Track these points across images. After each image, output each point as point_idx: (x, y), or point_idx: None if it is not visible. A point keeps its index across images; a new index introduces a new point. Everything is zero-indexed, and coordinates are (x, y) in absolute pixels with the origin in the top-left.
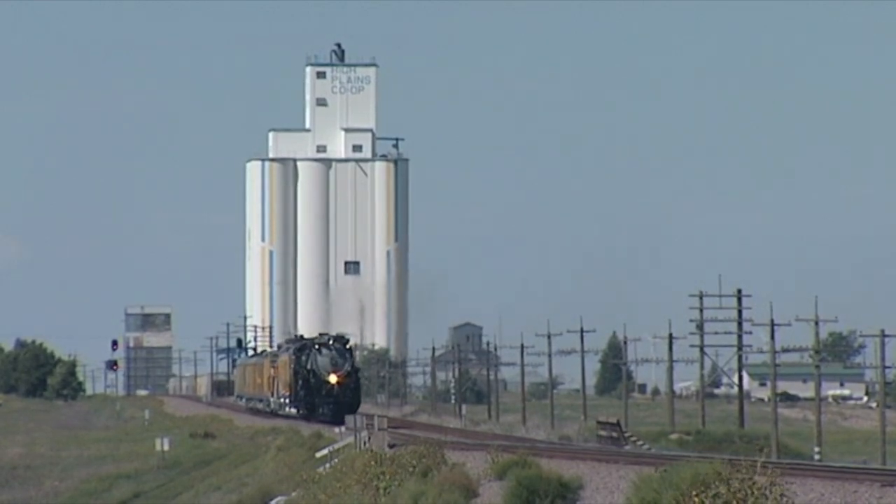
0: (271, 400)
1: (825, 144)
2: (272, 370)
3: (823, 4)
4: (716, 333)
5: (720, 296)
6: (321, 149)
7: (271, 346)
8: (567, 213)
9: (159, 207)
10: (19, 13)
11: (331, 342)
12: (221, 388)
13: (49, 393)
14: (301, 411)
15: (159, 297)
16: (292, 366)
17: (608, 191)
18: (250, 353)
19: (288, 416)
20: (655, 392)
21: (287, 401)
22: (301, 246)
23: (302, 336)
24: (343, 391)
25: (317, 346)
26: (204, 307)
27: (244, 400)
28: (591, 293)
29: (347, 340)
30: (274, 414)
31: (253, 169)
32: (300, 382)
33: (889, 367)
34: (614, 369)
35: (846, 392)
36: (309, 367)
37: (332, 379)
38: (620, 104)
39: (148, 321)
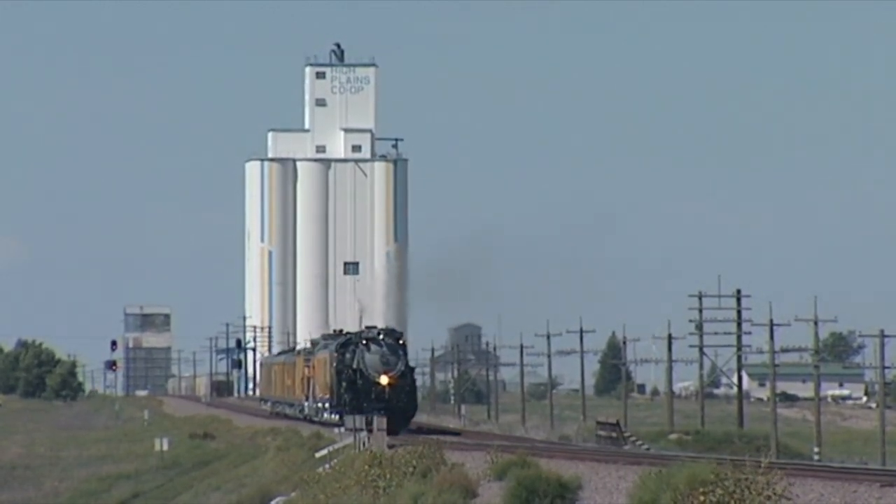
0: (305, 404)
1: (825, 144)
2: (306, 370)
3: (823, 4)
4: (715, 334)
5: (719, 296)
6: (320, 149)
7: (270, 347)
8: (567, 213)
9: (159, 207)
10: (19, 13)
11: (381, 337)
12: (221, 389)
13: (48, 393)
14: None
15: (159, 297)
16: (334, 364)
17: (608, 190)
18: (250, 353)
19: (326, 424)
20: (655, 392)
21: (326, 405)
22: (300, 246)
23: (342, 330)
24: (396, 394)
25: (364, 342)
26: (203, 307)
27: (269, 404)
28: (592, 293)
29: (400, 335)
30: (308, 420)
31: (252, 169)
32: (344, 384)
33: (888, 368)
34: (614, 369)
35: (845, 392)
36: (355, 366)
37: (384, 380)
38: (620, 104)
39: (147, 321)
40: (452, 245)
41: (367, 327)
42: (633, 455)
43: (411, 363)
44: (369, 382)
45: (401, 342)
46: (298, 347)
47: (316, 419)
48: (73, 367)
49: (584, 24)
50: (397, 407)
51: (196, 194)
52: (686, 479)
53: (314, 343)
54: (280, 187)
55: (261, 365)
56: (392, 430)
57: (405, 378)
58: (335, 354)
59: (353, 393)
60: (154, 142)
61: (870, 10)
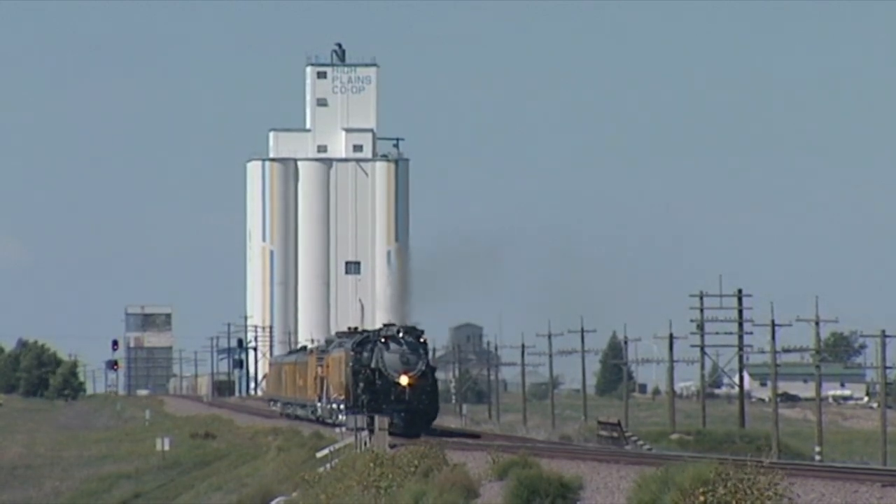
0: (318, 405)
1: (826, 144)
2: (319, 369)
3: (822, 5)
4: (716, 333)
5: (721, 296)
6: (322, 149)
7: (272, 347)
8: (567, 213)
9: (159, 207)
10: (19, 13)
11: (401, 334)
12: (222, 389)
13: (50, 393)
14: None
15: (160, 297)
16: (350, 364)
17: (609, 190)
18: (251, 353)
19: (340, 426)
20: (656, 392)
21: (341, 407)
22: (301, 246)
23: (356, 328)
24: (417, 395)
25: (383, 340)
26: (204, 307)
27: (279, 405)
28: (592, 293)
29: (421, 333)
30: (321, 422)
31: (253, 169)
32: (361, 385)
33: (890, 368)
34: (615, 369)
35: (847, 392)
36: (373, 365)
37: (404, 380)
38: (621, 104)
39: (148, 321)
40: (452, 244)
41: (386, 325)
42: (635, 455)
43: None
44: (388, 383)
45: (421, 340)
46: (309, 346)
47: (329, 421)
48: (74, 366)
49: (584, 24)
50: (418, 408)
51: (197, 194)
52: (689, 478)
53: (328, 341)
54: (281, 187)
55: (270, 364)
56: (413, 433)
57: (426, 378)
58: (351, 353)
59: (372, 394)
60: (155, 142)
61: (870, 9)
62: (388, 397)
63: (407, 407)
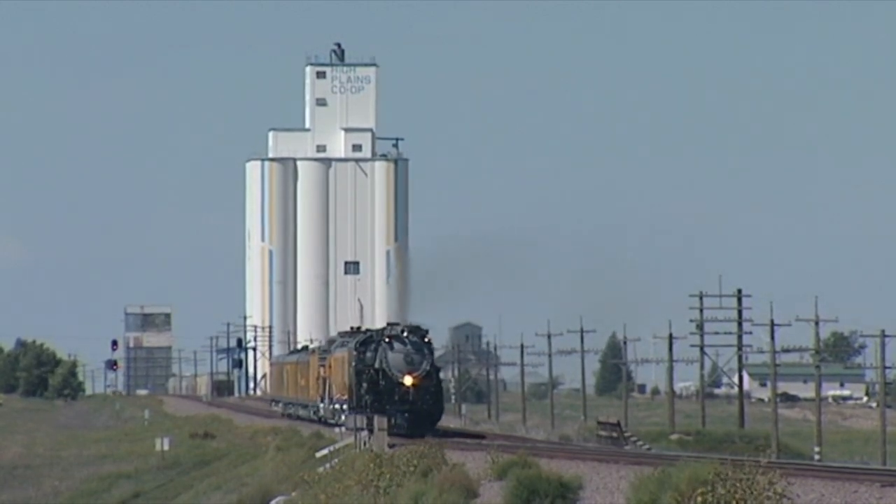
0: (320, 406)
1: (826, 144)
2: (322, 369)
3: (822, 4)
4: (716, 333)
5: (720, 296)
6: (321, 148)
7: (271, 347)
8: (567, 213)
9: (159, 207)
10: (19, 13)
11: (405, 334)
12: (221, 388)
13: (49, 393)
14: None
15: (159, 296)
16: (353, 364)
17: (609, 190)
18: (250, 353)
19: (341, 426)
20: (655, 392)
21: (344, 407)
22: (301, 246)
23: (359, 328)
24: (421, 396)
25: (387, 340)
26: (204, 307)
27: (280, 405)
28: (592, 293)
29: (426, 332)
30: (324, 423)
31: (253, 169)
32: (364, 385)
33: (889, 368)
34: (614, 369)
35: (846, 392)
36: (377, 365)
37: (408, 381)
38: (621, 104)
39: (148, 321)
40: (453, 244)
41: (390, 324)
42: (634, 455)
43: None
44: (392, 383)
45: (426, 340)
46: (310, 346)
47: (332, 422)
48: (73, 366)
49: (583, 23)
50: (422, 409)
51: (197, 194)
52: (687, 478)
53: (330, 341)
54: (281, 187)
55: (271, 365)
56: (417, 434)
57: (430, 378)
58: (354, 353)
59: (375, 394)
60: (154, 142)
61: (870, 10)
62: (391, 398)
63: (411, 407)
